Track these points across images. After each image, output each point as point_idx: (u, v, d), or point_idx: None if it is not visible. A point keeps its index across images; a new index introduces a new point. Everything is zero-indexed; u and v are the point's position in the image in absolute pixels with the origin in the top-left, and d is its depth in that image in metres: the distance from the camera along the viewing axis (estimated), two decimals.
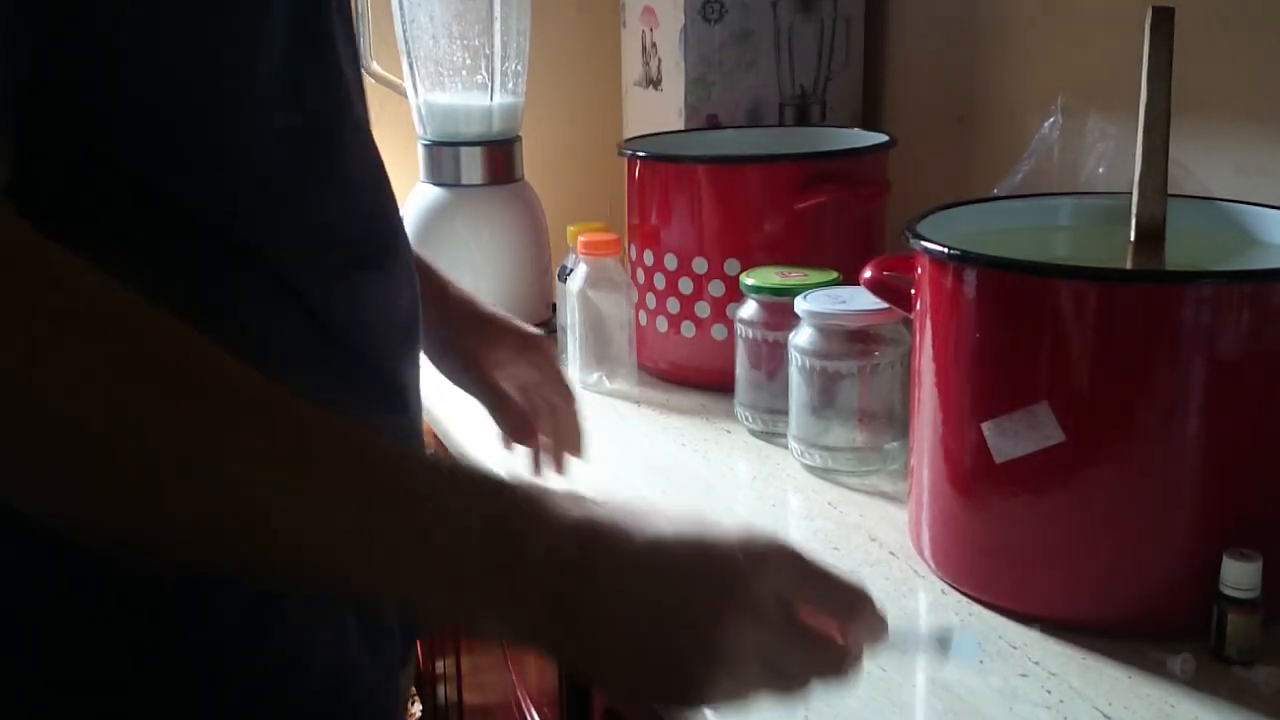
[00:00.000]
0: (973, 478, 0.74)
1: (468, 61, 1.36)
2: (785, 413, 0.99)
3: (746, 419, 1.06)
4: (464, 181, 1.37)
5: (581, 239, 1.17)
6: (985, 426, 0.71)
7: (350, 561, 0.47)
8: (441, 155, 1.37)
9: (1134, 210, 0.78)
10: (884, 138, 1.19)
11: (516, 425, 0.90)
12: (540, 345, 0.92)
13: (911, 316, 0.81)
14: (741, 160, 1.16)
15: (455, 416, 1.13)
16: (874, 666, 0.69)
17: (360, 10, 1.40)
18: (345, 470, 0.47)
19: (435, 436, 1.17)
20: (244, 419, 0.45)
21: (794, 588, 0.53)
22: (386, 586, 0.49)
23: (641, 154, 1.18)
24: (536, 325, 1.37)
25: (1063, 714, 0.64)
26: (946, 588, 0.78)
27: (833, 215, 1.11)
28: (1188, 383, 0.67)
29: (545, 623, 0.49)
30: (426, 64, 1.37)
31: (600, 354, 1.18)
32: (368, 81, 1.42)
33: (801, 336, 0.96)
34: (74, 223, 0.46)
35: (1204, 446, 0.68)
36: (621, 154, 1.20)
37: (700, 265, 1.13)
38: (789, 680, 0.53)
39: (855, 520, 0.88)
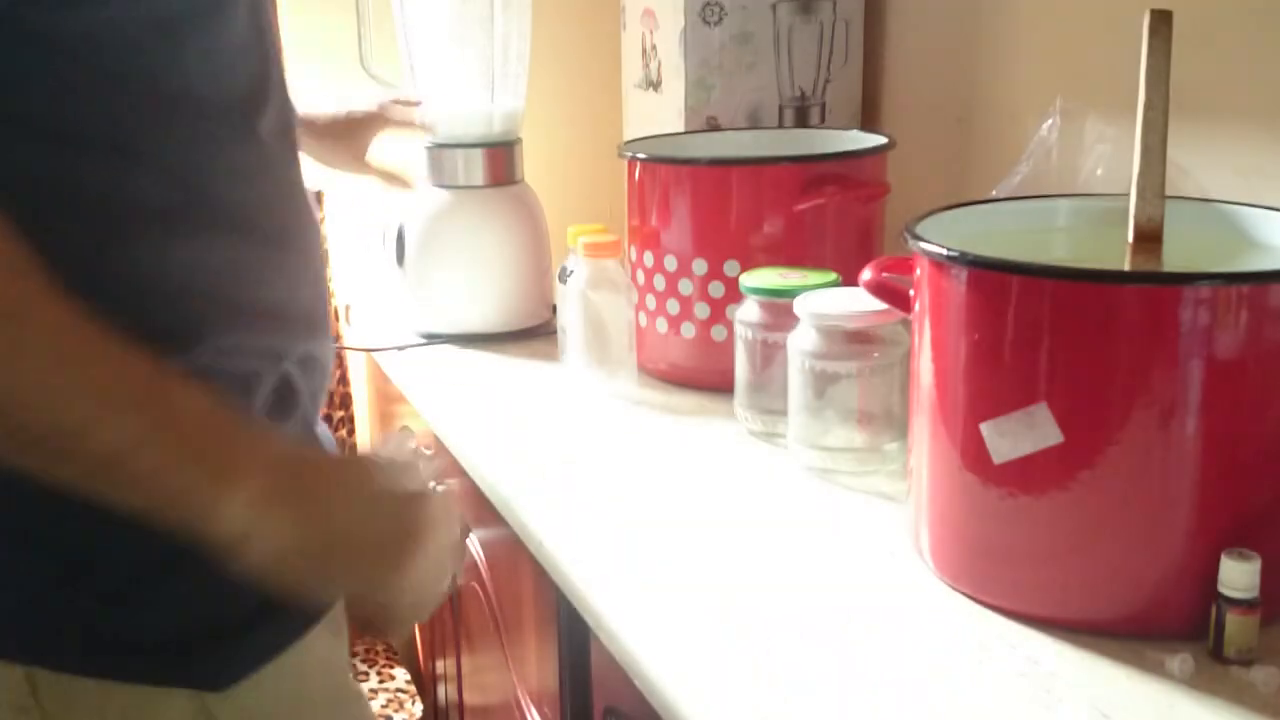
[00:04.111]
0: (972, 478, 0.74)
1: (469, 64, 1.37)
2: (785, 413, 1.00)
3: (746, 420, 1.06)
4: (465, 183, 1.37)
5: (582, 240, 1.17)
6: (984, 427, 0.72)
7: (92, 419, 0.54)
8: (442, 157, 1.37)
9: (1132, 212, 0.78)
10: (883, 139, 1.19)
11: (402, 182, 1.31)
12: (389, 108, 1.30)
13: (910, 318, 0.81)
14: (741, 162, 1.16)
15: (455, 415, 1.14)
16: (874, 666, 0.69)
17: (361, 13, 1.40)
18: (96, 358, 0.55)
19: (435, 437, 1.17)
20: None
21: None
22: (125, 449, 0.55)
23: (641, 156, 1.18)
24: (537, 327, 1.39)
25: (1062, 714, 0.64)
26: (946, 588, 0.78)
27: (832, 217, 1.11)
28: (1186, 384, 0.67)
29: (277, 506, 0.58)
30: (428, 67, 1.37)
31: (600, 355, 1.18)
32: (369, 83, 1.43)
33: (801, 337, 0.96)
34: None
35: (1202, 448, 0.68)
36: (621, 156, 1.20)
37: (700, 266, 1.13)
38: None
39: (855, 521, 0.89)
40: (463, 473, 1.09)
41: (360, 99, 1.31)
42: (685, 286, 1.15)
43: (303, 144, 0.96)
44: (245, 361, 0.66)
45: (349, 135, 1.29)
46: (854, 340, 0.94)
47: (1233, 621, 0.68)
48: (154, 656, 0.65)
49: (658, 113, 1.44)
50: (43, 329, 0.53)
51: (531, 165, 1.42)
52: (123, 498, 0.56)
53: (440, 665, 1.45)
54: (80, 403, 0.54)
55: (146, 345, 0.56)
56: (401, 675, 1.53)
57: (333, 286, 1.60)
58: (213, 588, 0.63)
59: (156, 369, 0.57)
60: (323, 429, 0.80)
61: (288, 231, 0.70)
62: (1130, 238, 0.79)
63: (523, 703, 1.09)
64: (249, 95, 0.66)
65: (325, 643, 0.72)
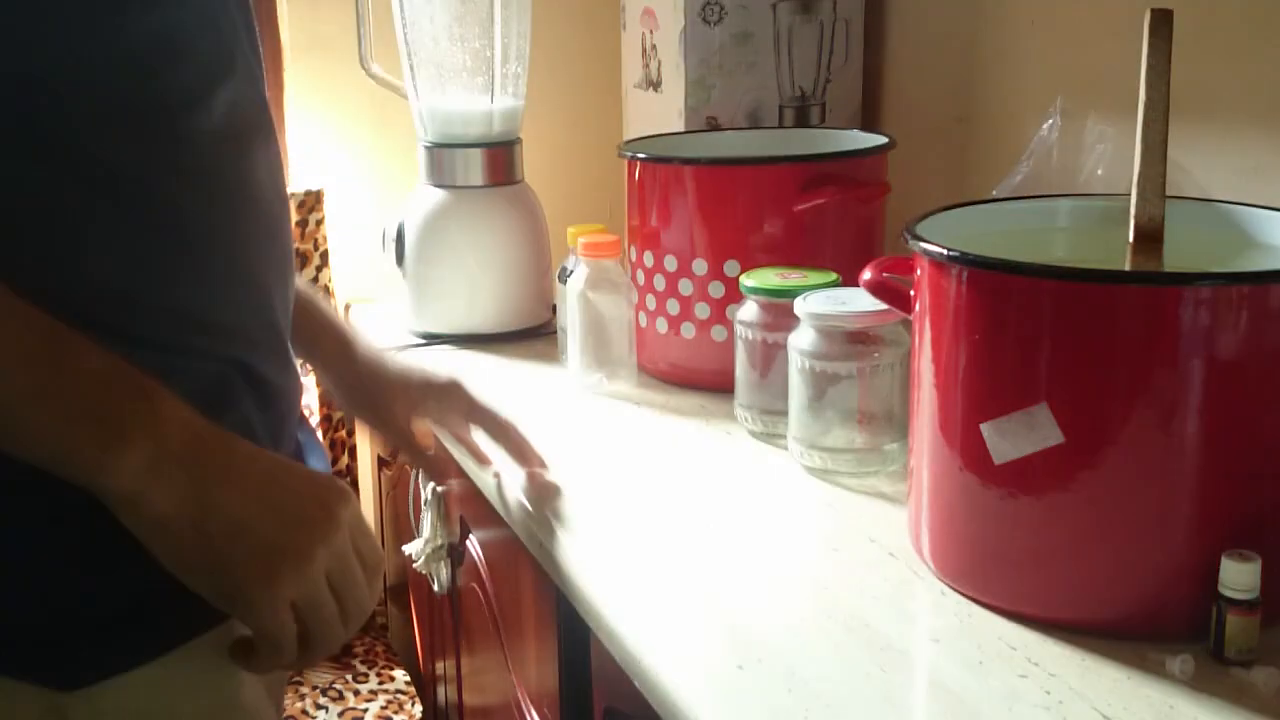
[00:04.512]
0: (972, 479, 0.74)
1: (468, 64, 1.37)
2: (785, 414, 0.99)
3: (746, 420, 1.06)
4: (464, 183, 1.37)
5: (582, 240, 1.17)
6: (984, 428, 0.72)
7: None
8: (442, 157, 1.37)
9: (1132, 211, 0.78)
10: (883, 139, 1.19)
11: (435, 469, 1.03)
12: (456, 391, 0.99)
13: (911, 318, 0.81)
14: (741, 162, 1.16)
15: None
16: (874, 667, 0.69)
17: (361, 13, 1.40)
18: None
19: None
20: None
21: (360, 533, 0.67)
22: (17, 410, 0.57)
23: (641, 156, 1.18)
24: (537, 327, 1.39)
25: (1062, 714, 0.64)
26: (946, 589, 0.78)
27: (832, 217, 1.11)
28: (1186, 384, 0.67)
29: (169, 471, 0.59)
30: (427, 66, 1.37)
31: (600, 355, 1.18)
32: (369, 84, 1.43)
33: (801, 338, 0.96)
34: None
35: (1203, 448, 0.68)
36: (621, 156, 1.20)
37: (700, 266, 1.13)
38: (336, 596, 0.65)
39: (855, 521, 0.88)
40: (462, 473, 1.09)
41: (440, 369, 1.02)
42: (685, 286, 1.14)
43: (337, 378, 0.95)
44: (150, 358, 0.63)
45: (404, 400, 0.99)
46: (854, 340, 0.94)
47: (1233, 622, 0.67)
48: (2, 647, 0.63)
49: (658, 113, 1.44)
50: None
51: (531, 165, 1.42)
52: (16, 450, 0.57)
53: (440, 666, 1.45)
54: None
55: None
56: (401, 676, 1.53)
57: (332, 287, 1.60)
58: (75, 582, 0.63)
59: (56, 328, 0.58)
60: (311, 444, 0.79)
61: (214, 235, 0.67)
62: (1130, 238, 0.79)
63: (522, 703, 1.09)
64: (182, 93, 0.64)
65: (214, 665, 0.67)
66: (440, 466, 1.05)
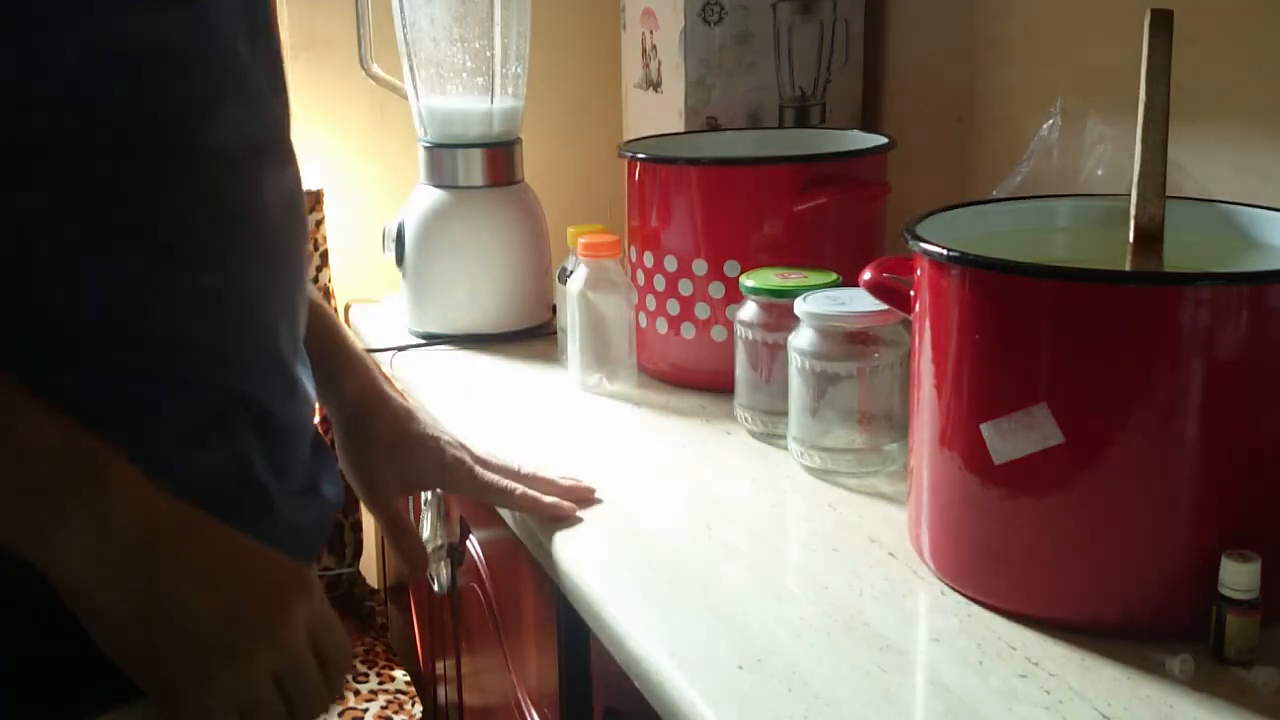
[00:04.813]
0: (972, 479, 0.74)
1: (468, 64, 1.37)
2: (785, 414, 0.99)
3: (746, 420, 1.06)
4: (464, 183, 1.37)
5: (581, 240, 1.17)
6: (984, 428, 0.72)
7: None
8: (442, 157, 1.37)
9: (1133, 212, 0.78)
10: (883, 139, 1.19)
11: (412, 558, 0.92)
12: (458, 468, 0.90)
13: (911, 318, 0.81)
14: (741, 162, 1.16)
15: (455, 415, 1.14)
16: (874, 667, 0.69)
17: (361, 13, 1.40)
18: None
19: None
20: None
21: (324, 627, 0.64)
22: None
23: (641, 156, 1.18)
24: (537, 327, 1.39)
25: (1062, 714, 0.64)
26: (946, 589, 0.78)
27: (832, 217, 1.11)
28: (1186, 384, 0.67)
29: (108, 559, 0.57)
30: (427, 66, 1.37)
31: (600, 356, 1.18)
32: (369, 84, 1.43)
33: (801, 338, 0.96)
34: None
35: (1203, 448, 0.68)
36: (621, 156, 1.20)
37: (700, 267, 1.13)
38: (285, 695, 0.62)
39: (855, 521, 0.88)
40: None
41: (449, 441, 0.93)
42: (685, 287, 1.14)
43: (341, 428, 0.87)
44: (137, 387, 0.61)
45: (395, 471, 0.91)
46: (854, 340, 0.94)
47: (1233, 622, 0.67)
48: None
49: (658, 113, 1.44)
50: None
51: (531, 165, 1.42)
52: None
53: (440, 666, 1.45)
54: None
55: (12, 357, 0.55)
56: (401, 676, 1.53)
57: (332, 287, 1.60)
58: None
59: (8, 396, 0.55)
60: (326, 468, 0.75)
61: (210, 259, 0.63)
62: (1131, 238, 0.79)
63: (522, 704, 1.09)
64: (181, 107, 0.60)
65: None
66: (420, 556, 0.94)
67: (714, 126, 1.39)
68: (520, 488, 0.91)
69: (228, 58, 0.63)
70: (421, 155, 1.39)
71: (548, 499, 0.90)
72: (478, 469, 0.91)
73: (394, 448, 0.89)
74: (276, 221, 0.68)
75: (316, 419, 0.78)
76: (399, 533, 0.91)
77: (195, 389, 0.64)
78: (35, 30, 0.55)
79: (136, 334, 0.61)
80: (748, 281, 1.04)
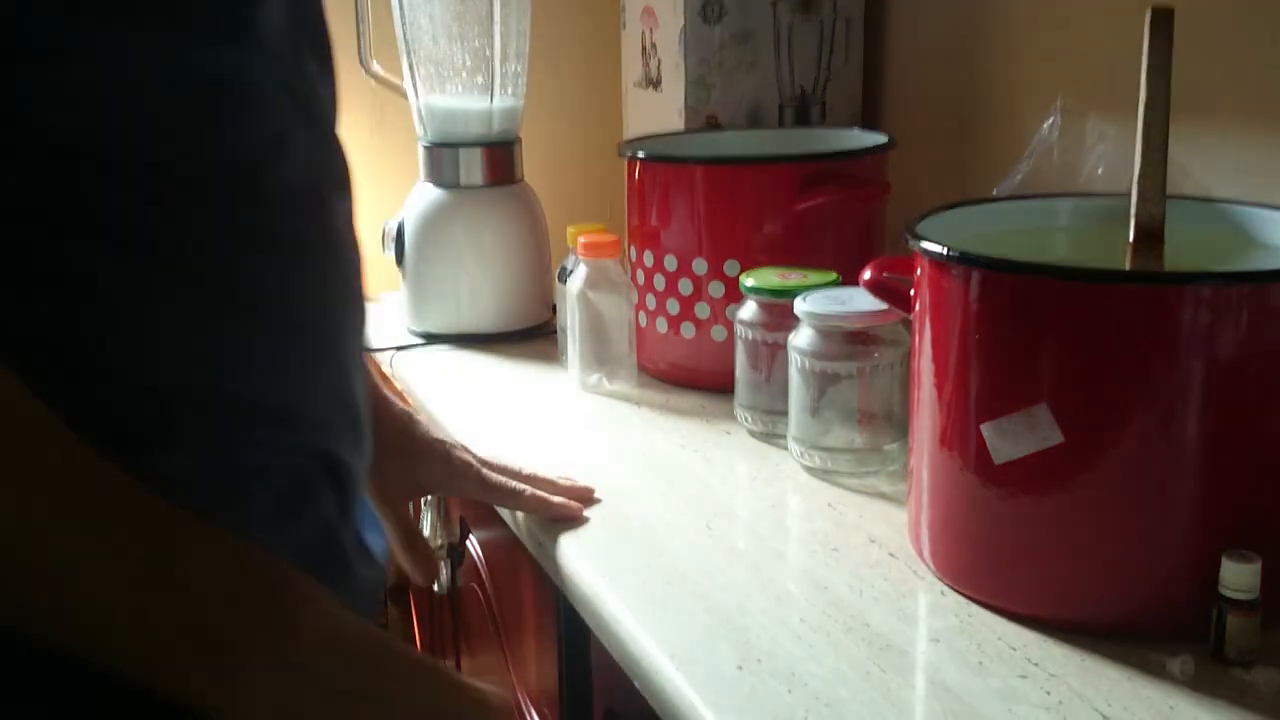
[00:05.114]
0: (972, 479, 0.74)
1: (468, 63, 1.36)
2: (785, 414, 0.99)
3: (746, 420, 1.06)
4: (464, 183, 1.37)
5: (581, 240, 1.17)
6: (984, 428, 0.72)
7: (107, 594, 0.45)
8: (441, 156, 1.37)
9: (1133, 211, 0.78)
10: (884, 138, 1.19)
11: (423, 567, 0.90)
12: (466, 471, 0.90)
13: (911, 317, 0.81)
14: (741, 161, 1.16)
15: (455, 415, 1.14)
16: (874, 667, 0.69)
17: (360, 12, 1.40)
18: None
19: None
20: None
21: None
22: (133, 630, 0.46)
23: (641, 155, 1.18)
24: (537, 327, 1.39)
25: (1062, 715, 0.64)
26: (946, 589, 0.78)
27: (832, 216, 1.11)
28: (1187, 384, 0.67)
29: (294, 692, 0.49)
30: (427, 65, 1.37)
31: (600, 355, 1.18)
32: (368, 83, 1.43)
33: (801, 338, 0.96)
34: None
35: (1203, 448, 0.68)
36: (621, 155, 1.20)
37: (700, 266, 1.13)
38: None
39: (855, 521, 0.88)
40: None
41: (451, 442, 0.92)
42: (685, 286, 1.14)
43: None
44: (218, 466, 0.52)
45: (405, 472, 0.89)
46: (854, 340, 0.94)
47: (1233, 623, 0.67)
48: None
49: (658, 111, 1.43)
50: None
51: (531, 164, 1.42)
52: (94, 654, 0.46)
53: None
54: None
55: (107, 446, 0.46)
56: None
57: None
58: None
59: (165, 520, 0.47)
60: (370, 518, 0.68)
61: (295, 309, 0.56)
62: (1131, 237, 0.78)
63: (522, 703, 1.09)
64: (256, 145, 0.53)
65: None
66: (431, 564, 0.92)
67: (714, 125, 1.39)
68: (530, 489, 0.91)
69: (301, 76, 0.57)
70: (421, 154, 1.39)
71: (556, 499, 0.90)
72: (485, 472, 0.91)
73: (401, 453, 0.87)
74: (348, 254, 0.61)
75: None
76: (411, 539, 0.89)
77: (282, 458, 0.55)
78: (105, 62, 0.48)
79: (220, 404, 0.53)
80: (748, 281, 1.04)
